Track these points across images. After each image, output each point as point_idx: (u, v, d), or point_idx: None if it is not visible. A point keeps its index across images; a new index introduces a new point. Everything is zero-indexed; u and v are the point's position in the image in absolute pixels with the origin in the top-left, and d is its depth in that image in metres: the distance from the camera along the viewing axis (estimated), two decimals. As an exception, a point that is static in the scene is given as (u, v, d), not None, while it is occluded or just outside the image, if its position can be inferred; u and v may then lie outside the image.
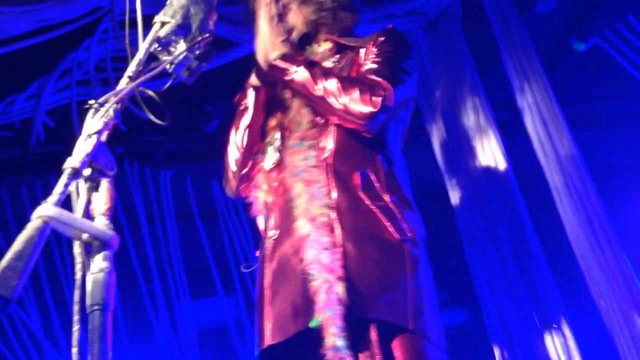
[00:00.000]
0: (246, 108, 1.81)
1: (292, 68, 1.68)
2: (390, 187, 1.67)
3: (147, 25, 1.79)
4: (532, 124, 2.83)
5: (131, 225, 4.09)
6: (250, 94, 1.81)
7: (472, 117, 2.81)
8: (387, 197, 1.63)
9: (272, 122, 1.82)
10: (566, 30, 3.74)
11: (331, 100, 1.64)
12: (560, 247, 2.99)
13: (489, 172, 2.81)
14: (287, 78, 1.69)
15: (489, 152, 2.81)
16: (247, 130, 1.81)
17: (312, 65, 1.70)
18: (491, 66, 3.60)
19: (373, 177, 1.65)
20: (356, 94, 1.62)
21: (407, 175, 1.78)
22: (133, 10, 2.12)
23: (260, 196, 1.76)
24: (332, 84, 1.64)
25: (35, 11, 2.40)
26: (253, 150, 1.81)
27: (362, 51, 1.79)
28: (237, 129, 1.83)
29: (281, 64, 1.70)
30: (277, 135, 1.78)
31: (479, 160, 2.81)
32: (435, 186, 3.45)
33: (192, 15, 1.63)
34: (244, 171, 1.82)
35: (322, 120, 1.71)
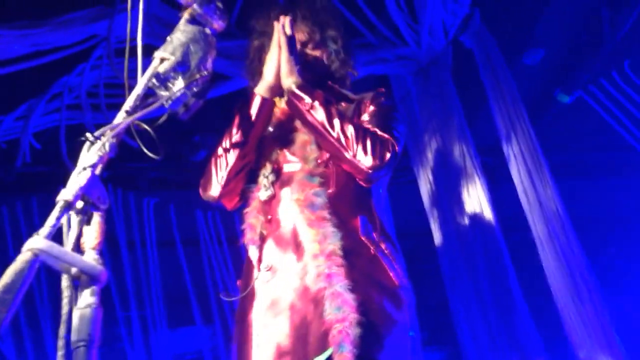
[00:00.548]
0: (249, 117, 1.81)
1: (308, 99, 1.71)
2: (383, 232, 1.72)
3: (144, 55, 1.82)
4: (516, 172, 2.89)
5: (111, 250, 4.05)
6: (257, 104, 1.81)
7: (458, 161, 2.86)
8: (383, 244, 1.68)
9: (270, 153, 1.82)
10: (552, 82, 3.84)
11: (344, 143, 1.67)
12: (541, 291, 3.02)
13: (473, 215, 2.85)
14: (303, 107, 1.71)
15: (474, 197, 2.85)
16: (245, 138, 1.80)
17: (329, 104, 1.73)
18: (479, 111, 3.68)
19: (370, 223, 1.69)
20: (368, 144, 1.67)
21: (391, 213, 1.83)
22: (132, 39, 2.15)
23: (257, 226, 1.75)
24: (348, 127, 1.68)
25: (32, 35, 2.41)
26: (244, 160, 1.80)
27: (360, 105, 1.84)
28: (233, 135, 1.81)
29: (299, 92, 1.73)
30: (272, 167, 1.78)
31: (464, 204, 2.85)
32: (419, 225, 3.48)
33: (192, 53, 1.66)
34: (231, 179, 1.79)
35: (324, 161, 1.74)
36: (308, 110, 1.71)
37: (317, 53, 1.91)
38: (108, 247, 3.98)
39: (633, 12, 3.26)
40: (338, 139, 1.68)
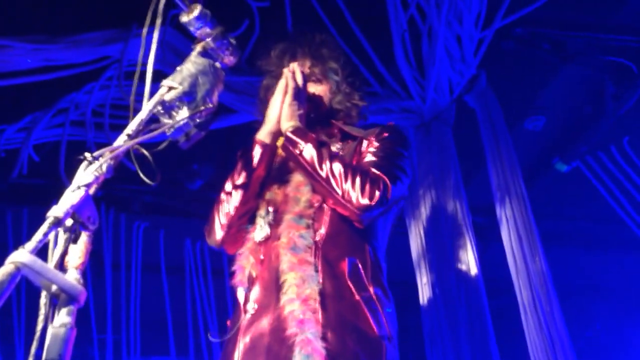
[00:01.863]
0: (251, 162, 1.83)
1: (301, 142, 1.73)
2: (375, 278, 1.67)
3: (153, 81, 1.84)
4: (507, 236, 2.89)
5: (95, 269, 4.02)
6: (258, 150, 1.83)
7: (451, 219, 2.87)
8: (371, 289, 1.63)
9: (267, 194, 1.82)
10: (551, 149, 3.89)
11: (333, 184, 1.67)
12: (521, 356, 2.99)
13: (460, 275, 2.84)
14: (295, 151, 1.73)
15: (463, 256, 2.85)
16: (247, 184, 1.81)
17: (321, 145, 1.74)
18: (476, 170, 3.71)
19: (360, 267, 1.65)
20: (357, 183, 1.66)
21: (386, 268, 1.79)
22: (143, 64, 2.18)
23: (247, 267, 1.74)
24: (337, 168, 1.68)
25: (45, 50, 2.45)
26: (247, 206, 1.81)
27: (365, 142, 1.83)
28: (235, 180, 1.83)
29: (293, 136, 1.75)
30: (270, 208, 1.78)
31: (452, 262, 2.84)
32: (404, 277, 3.46)
33: (199, 84, 1.68)
34: (234, 224, 1.80)
35: (318, 203, 1.73)
36: (299, 154, 1.72)
37: (319, 87, 1.93)
38: (92, 266, 3.94)
39: (637, 90, 3.33)
40: (327, 180, 1.68)
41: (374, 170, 1.72)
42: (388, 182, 1.68)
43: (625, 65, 3.24)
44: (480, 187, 3.67)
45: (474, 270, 2.84)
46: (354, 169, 1.71)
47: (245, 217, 1.82)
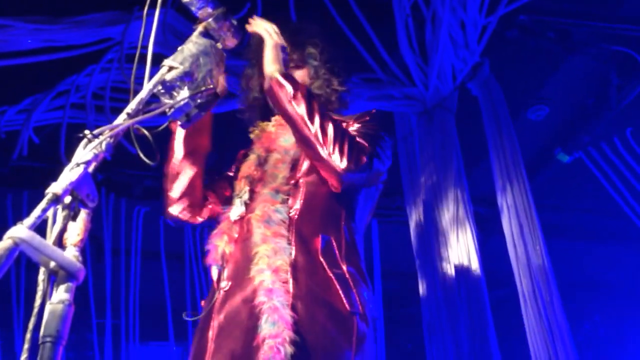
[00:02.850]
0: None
1: (290, 88, 1.68)
2: (350, 257, 1.66)
3: (153, 64, 1.83)
4: (508, 226, 2.88)
5: (95, 254, 4.01)
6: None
7: (451, 208, 2.86)
8: (344, 267, 1.62)
9: (244, 174, 1.83)
10: (553, 140, 3.87)
11: (321, 140, 1.64)
12: (521, 351, 2.99)
13: (460, 265, 2.83)
14: (284, 98, 1.67)
15: (463, 246, 2.84)
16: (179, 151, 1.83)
17: (312, 97, 1.70)
18: (478, 159, 3.70)
19: (334, 244, 1.64)
20: (346, 145, 1.64)
21: (363, 254, 1.78)
22: (143, 47, 2.16)
23: (220, 245, 1.74)
24: (328, 125, 1.65)
25: (46, 31, 2.43)
26: (193, 171, 1.83)
27: (343, 125, 1.81)
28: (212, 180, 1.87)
29: (281, 79, 1.70)
30: (247, 187, 1.78)
31: (452, 252, 2.83)
32: (405, 267, 3.46)
33: (200, 65, 1.67)
34: (185, 193, 1.82)
35: (295, 180, 1.72)
36: (290, 101, 1.67)
37: (298, 72, 1.89)
38: (92, 251, 3.94)
39: (640, 82, 3.31)
40: (316, 135, 1.64)
41: (361, 140, 1.70)
42: (374, 154, 1.68)
43: (629, 55, 3.21)
44: (482, 178, 3.66)
45: (474, 260, 2.83)
46: (344, 131, 1.68)
47: (196, 185, 1.84)
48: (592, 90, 3.59)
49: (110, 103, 2.86)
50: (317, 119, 1.65)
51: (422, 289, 3.02)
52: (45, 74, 2.76)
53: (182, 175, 1.84)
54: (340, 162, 1.63)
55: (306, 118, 1.65)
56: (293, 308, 1.52)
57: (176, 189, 1.84)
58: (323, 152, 1.64)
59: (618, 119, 3.55)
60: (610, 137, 3.80)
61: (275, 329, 1.47)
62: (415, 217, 3.11)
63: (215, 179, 1.97)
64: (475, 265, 2.82)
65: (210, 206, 1.90)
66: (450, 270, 2.83)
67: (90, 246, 3.90)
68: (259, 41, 1.91)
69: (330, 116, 1.71)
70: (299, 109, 1.66)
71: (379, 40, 2.90)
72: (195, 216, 1.88)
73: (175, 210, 1.85)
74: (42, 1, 2.59)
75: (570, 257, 4.55)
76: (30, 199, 3.54)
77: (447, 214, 2.87)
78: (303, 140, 1.69)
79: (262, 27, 1.82)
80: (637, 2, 3.12)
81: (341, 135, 1.66)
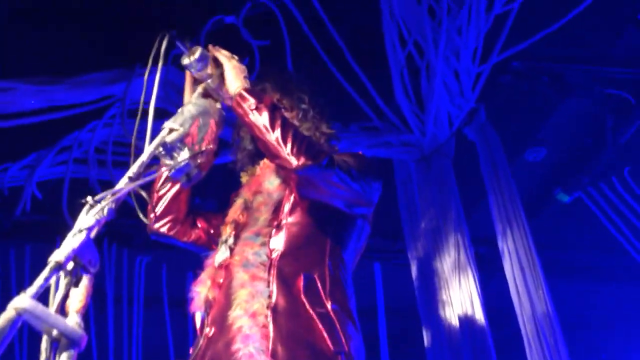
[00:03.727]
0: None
1: (252, 100, 1.70)
2: (335, 294, 1.64)
3: (155, 118, 1.87)
4: (510, 269, 2.89)
5: (97, 304, 4.01)
6: None
7: (452, 252, 2.87)
8: (329, 305, 1.61)
9: (230, 218, 1.85)
10: (552, 180, 3.90)
11: (281, 143, 1.66)
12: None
13: (463, 310, 2.83)
14: (247, 109, 1.71)
15: (465, 290, 2.84)
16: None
17: (275, 109, 1.73)
18: (478, 201, 3.72)
19: (318, 282, 1.63)
20: (304, 145, 1.66)
21: (352, 289, 1.77)
22: (145, 103, 2.21)
23: (202, 292, 1.74)
24: (290, 132, 1.67)
25: (49, 92, 2.49)
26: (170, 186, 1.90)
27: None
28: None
29: (244, 93, 1.73)
30: (232, 232, 1.80)
31: (455, 297, 2.83)
32: (408, 307, 3.44)
33: (201, 125, 1.71)
34: (166, 209, 1.89)
35: (277, 222, 1.74)
36: (252, 110, 1.70)
37: (287, 114, 1.93)
38: (95, 301, 3.94)
39: (635, 121, 3.36)
40: (277, 140, 1.66)
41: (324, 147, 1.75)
42: (334, 159, 1.69)
43: (623, 97, 3.27)
44: (483, 218, 3.67)
45: (477, 305, 2.82)
46: (304, 135, 1.72)
47: (179, 200, 1.92)
48: (588, 131, 3.64)
49: (112, 157, 2.90)
50: (278, 125, 1.68)
51: (425, 332, 3.01)
52: (49, 131, 2.81)
53: (168, 191, 1.88)
54: (297, 160, 1.64)
55: (268, 125, 1.68)
56: (273, 353, 1.50)
57: (160, 203, 1.90)
58: (283, 153, 1.66)
59: (615, 158, 3.58)
60: (608, 176, 3.83)
61: None
62: (416, 261, 3.12)
63: (211, 213, 2.01)
64: (478, 309, 2.81)
65: (198, 231, 1.95)
66: (453, 315, 2.83)
67: (92, 296, 3.89)
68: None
69: (292, 124, 1.74)
70: (261, 118, 1.69)
71: (375, 89, 2.96)
72: (180, 234, 1.94)
73: (157, 223, 1.91)
74: (45, 63, 2.66)
75: (574, 297, 4.53)
76: (32, 253, 3.56)
77: (449, 259, 2.88)
78: (264, 145, 1.71)
79: (220, 52, 1.85)
80: (628, 46, 3.18)
81: (301, 138, 1.68)
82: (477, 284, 2.85)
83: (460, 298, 2.84)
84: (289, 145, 1.65)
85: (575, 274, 4.55)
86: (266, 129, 1.69)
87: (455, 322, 2.83)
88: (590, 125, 3.57)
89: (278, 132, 1.67)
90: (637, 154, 3.69)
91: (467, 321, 2.80)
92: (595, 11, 2.85)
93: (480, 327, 2.77)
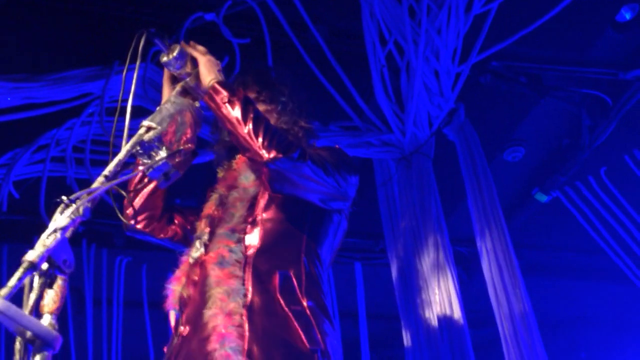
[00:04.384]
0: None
1: (225, 94, 1.70)
2: (310, 291, 1.64)
3: (133, 116, 1.86)
4: (488, 268, 2.91)
5: (76, 305, 3.97)
6: None
7: (432, 252, 2.88)
8: (305, 302, 1.60)
9: (205, 214, 1.84)
10: (530, 180, 3.94)
11: (252, 139, 1.65)
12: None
13: (442, 308, 2.84)
14: (219, 102, 1.70)
15: (444, 290, 2.85)
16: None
17: (248, 102, 1.72)
18: (458, 202, 3.75)
19: (294, 279, 1.63)
20: (275, 139, 1.65)
21: (327, 287, 1.76)
22: (123, 100, 2.19)
23: (177, 290, 1.73)
24: (262, 126, 1.66)
25: (26, 89, 2.46)
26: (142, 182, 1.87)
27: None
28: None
29: (218, 86, 1.72)
30: (207, 229, 1.79)
31: (434, 296, 2.85)
32: (389, 309, 3.46)
33: (178, 124, 1.70)
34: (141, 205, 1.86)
35: (252, 218, 1.73)
36: (224, 103, 1.70)
37: (266, 107, 1.94)
38: (73, 302, 3.89)
39: (611, 123, 3.40)
40: (249, 133, 1.66)
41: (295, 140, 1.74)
42: (303, 150, 1.68)
43: (599, 97, 3.31)
44: (463, 218, 3.70)
45: (455, 304, 2.84)
46: (276, 128, 1.72)
47: (152, 197, 1.89)
48: (565, 132, 3.68)
49: (90, 156, 2.87)
50: (250, 119, 1.67)
51: (404, 333, 3.02)
52: (26, 129, 2.77)
53: (144, 188, 1.87)
54: (268, 153, 1.63)
55: (240, 118, 1.67)
56: (249, 353, 1.49)
57: (137, 200, 1.87)
58: (254, 146, 1.65)
59: (592, 159, 3.63)
60: (585, 176, 3.88)
61: None
62: (396, 261, 3.13)
63: (188, 208, 1.99)
64: (457, 309, 2.83)
65: (174, 227, 1.93)
66: (432, 314, 2.84)
67: (71, 297, 3.85)
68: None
69: (264, 117, 1.72)
70: (234, 111, 1.68)
71: (355, 89, 2.97)
72: (156, 231, 1.92)
73: (133, 220, 1.88)
74: (22, 60, 2.63)
75: (552, 295, 4.59)
76: (9, 252, 3.51)
77: (428, 258, 2.89)
78: (236, 139, 1.70)
79: (195, 47, 1.84)
80: (604, 47, 3.22)
81: (273, 131, 1.68)
82: (456, 284, 2.87)
83: (440, 298, 2.86)
84: (260, 138, 1.65)
85: (553, 273, 4.61)
86: (238, 122, 1.68)
87: (434, 322, 2.84)
88: (567, 125, 3.61)
89: (250, 126, 1.66)
90: (614, 154, 3.75)
91: (446, 321, 2.81)
92: (573, 12, 2.89)
93: (459, 327, 2.79)
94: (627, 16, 3.03)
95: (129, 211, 1.88)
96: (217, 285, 1.61)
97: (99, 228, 3.67)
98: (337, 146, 1.93)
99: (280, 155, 1.63)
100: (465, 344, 2.71)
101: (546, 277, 4.48)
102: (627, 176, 3.80)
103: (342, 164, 1.80)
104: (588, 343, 5.15)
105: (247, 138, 1.66)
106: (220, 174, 1.96)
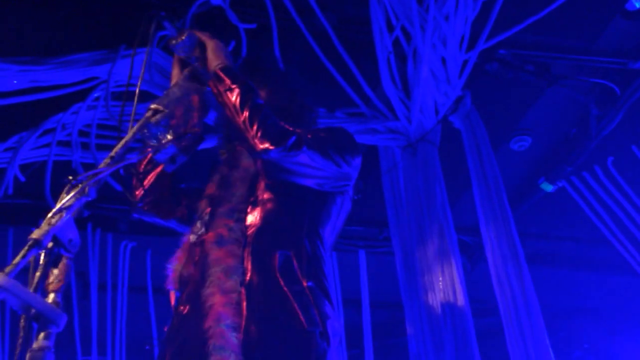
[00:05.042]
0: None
1: (228, 81, 1.72)
2: (311, 272, 1.63)
3: (139, 101, 1.86)
4: (492, 257, 2.90)
5: (80, 290, 3.99)
6: None
7: (436, 240, 2.88)
8: (304, 282, 1.60)
9: (207, 194, 1.85)
10: (536, 170, 3.92)
11: (248, 126, 1.66)
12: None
13: (445, 296, 2.84)
14: (221, 89, 1.72)
15: (448, 278, 2.85)
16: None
17: (249, 90, 1.73)
18: (463, 189, 3.74)
19: (294, 260, 1.62)
20: (270, 128, 1.66)
21: (329, 268, 1.75)
22: (130, 85, 2.19)
23: (177, 269, 1.74)
24: (259, 114, 1.67)
25: (32, 72, 2.46)
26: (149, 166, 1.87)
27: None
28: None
29: (221, 73, 1.74)
30: (208, 209, 1.79)
31: (437, 283, 2.85)
32: (393, 297, 3.46)
33: (186, 109, 1.70)
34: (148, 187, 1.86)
35: (253, 197, 1.73)
36: (225, 91, 1.71)
37: (261, 90, 1.93)
38: (78, 287, 3.91)
39: (619, 113, 3.38)
40: (244, 121, 1.67)
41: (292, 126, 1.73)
42: (302, 138, 1.68)
43: (608, 87, 3.29)
44: (468, 206, 3.70)
45: (459, 293, 2.84)
46: (273, 119, 1.71)
47: (158, 178, 1.89)
48: (573, 121, 3.66)
49: (96, 140, 2.87)
50: (247, 107, 1.67)
51: (408, 320, 3.02)
52: (32, 112, 2.77)
53: (151, 171, 1.88)
54: (261, 144, 1.64)
55: (238, 106, 1.68)
56: (245, 330, 1.50)
57: (144, 182, 1.88)
58: (248, 136, 1.66)
59: (599, 148, 3.61)
60: (592, 166, 3.86)
61: (223, 353, 1.46)
62: (401, 249, 3.13)
63: (193, 188, 1.99)
64: (460, 297, 2.83)
65: (181, 208, 1.94)
66: (435, 302, 2.84)
67: (76, 282, 3.87)
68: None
69: (262, 106, 1.72)
70: (232, 99, 1.69)
71: (362, 76, 2.95)
72: (162, 212, 1.93)
73: (141, 202, 1.89)
74: (28, 43, 2.63)
75: (557, 286, 4.58)
76: (15, 236, 3.53)
77: (432, 246, 2.89)
78: (234, 127, 1.72)
79: (202, 32, 1.86)
80: (613, 36, 3.19)
81: (269, 121, 1.68)
82: (461, 271, 2.87)
83: (443, 286, 2.85)
84: (255, 128, 1.65)
85: (558, 264, 4.60)
86: (235, 110, 1.69)
87: (438, 310, 2.84)
88: (575, 114, 3.59)
89: (246, 114, 1.67)
90: (621, 144, 3.72)
91: (449, 309, 2.81)
92: (582, 0, 2.86)
93: (463, 316, 2.79)
94: (637, 5, 3.00)
95: (138, 192, 1.88)
96: (215, 264, 1.61)
97: (104, 213, 3.67)
98: (339, 127, 1.93)
99: (273, 147, 1.64)
100: (468, 332, 2.71)
101: (549, 267, 4.48)
102: (635, 166, 3.78)
103: (344, 145, 1.79)
104: (591, 333, 5.15)
105: (242, 127, 1.68)
106: (223, 155, 1.96)
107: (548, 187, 3.89)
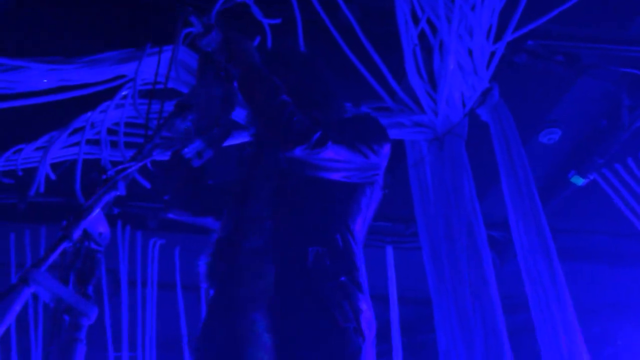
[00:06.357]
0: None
1: (254, 80, 1.74)
2: (344, 267, 1.61)
3: (166, 99, 1.87)
4: (522, 253, 2.85)
5: (111, 287, 4.04)
6: None
7: (465, 235, 2.84)
8: (337, 278, 1.58)
9: (235, 192, 1.84)
10: (567, 163, 3.85)
11: (273, 125, 1.68)
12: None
13: (475, 291, 2.80)
14: (247, 90, 1.74)
15: (478, 273, 2.81)
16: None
17: (273, 88, 1.72)
18: (492, 184, 3.69)
19: (326, 256, 1.60)
20: (295, 126, 1.65)
21: (363, 262, 1.74)
22: (157, 83, 2.21)
23: (208, 266, 1.74)
24: (283, 112, 1.67)
25: (61, 70, 2.50)
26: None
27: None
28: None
29: (248, 70, 1.77)
30: (236, 205, 1.79)
31: (466, 279, 2.81)
32: (421, 293, 3.43)
33: (212, 105, 1.71)
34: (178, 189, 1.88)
35: (282, 194, 1.73)
36: (251, 88, 1.73)
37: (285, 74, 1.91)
38: (109, 284, 3.97)
39: (653, 103, 3.31)
40: (270, 120, 1.69)
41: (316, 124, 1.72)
42: (325, 136, 1.67)
43: (639, 76, 3.21)
44: (497, 201, 3.64)
45: (489, 287, 2.80)
46: (300, 116, 1.70)
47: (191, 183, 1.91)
48: (603, 112, 3.59)
49: (124, 138, 2.91)
50: (272, 107, 1.68)
51: (437, 316, 2.99)
52: (61, 112, 2.82)
53: (181, 169, 1.89)
54: (285, 143, 1.66)
55: (263, 106, 1.70)
56: (279, 330, 1.50)
57: (174, 181, 1.90)
58: (273, 134, 1.70)
59: (631, 140, 3.54)
60: (624, 158, 3.77)
61: (256, 354, 1.48)
62: (429, 245, 3.10)
63: (222, 184, 2.00)
64: (490, 291, 2.79)
65: (210, 206, 1.94)
66: (465, 298, 2.80)
67: (106, 279, 3.93)
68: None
69: (288, 104, 1.70)
70: (258, 99, 1.72)
71: (388, 69, 2.93)
72: (195, 210, 1.94)
73: (172, 202, 1.91)
74: (56, 43, 2.67)
75: (589, 281, 4.49)
76: (48, 234, 3.59)
77: (461, 241, 2.85)
78: (261, 123, 1.75)
79: (227, 28, 1.87)
80: (644, 24, 3.12)
81: (294, 119, 1.67)
82: (490, 267, 2.82)
83: (472, 280, 2.82)
84: (280, 125, 1.66)
85: (590, 258, 4.52)
86: (261, 107, 1.70)
87: (467, 306, 2.80)
88: (606, 105, 3.52)
89: (271, 114, 1.68)
90: (654, 135, 3.64)
91: (479, 305, 2.77)
92: (612, -12, 2.81)
93: (493, 312, 2.75)
94: (670, -9, 2.93)
95: (167, 194, 1.90)
96: (247, 262, 1.61)
97: (133, 210, 3.72)
98: (367, 114, 1.92)
99: (297, 145, 1.64)
100: (499, 329, 2.67)
101: (582, 262, 4.40)
102: (668, 158, 3.70)
103: (371, 134, 1.78)
104: (625, 330, 5.05)
105: (268, 124, 1.70)
106: (251, 151, 1.97)
107: (579, 181, 3.82)
